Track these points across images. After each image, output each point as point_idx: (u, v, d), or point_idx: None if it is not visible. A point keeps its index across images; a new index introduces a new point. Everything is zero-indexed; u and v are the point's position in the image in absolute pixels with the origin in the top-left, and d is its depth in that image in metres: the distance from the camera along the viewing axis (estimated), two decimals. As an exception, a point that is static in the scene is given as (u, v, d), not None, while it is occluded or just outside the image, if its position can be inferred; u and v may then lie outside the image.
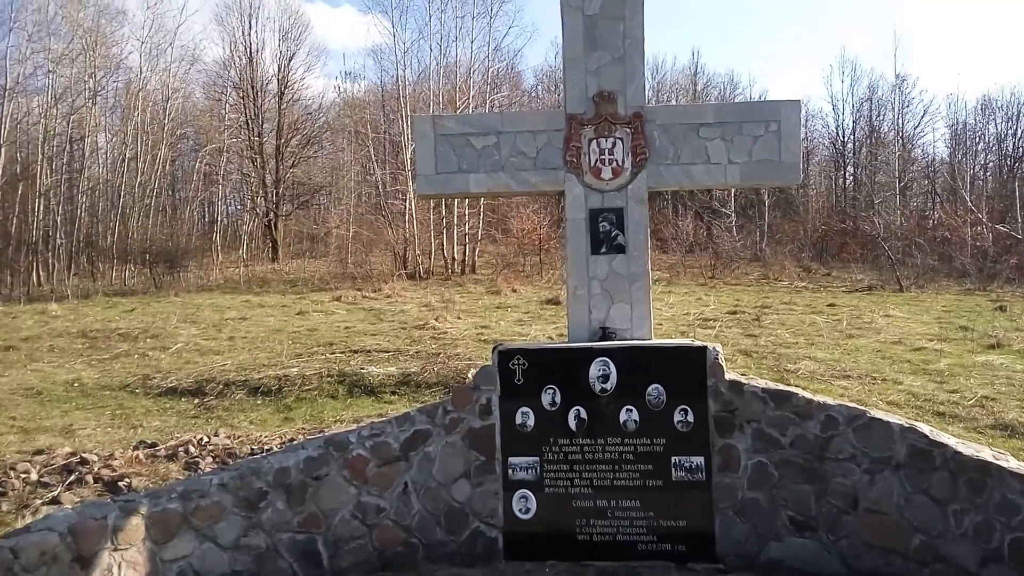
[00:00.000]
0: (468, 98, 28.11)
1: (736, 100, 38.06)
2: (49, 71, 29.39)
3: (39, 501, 5.59)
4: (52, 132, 29.59)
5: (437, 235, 26.82)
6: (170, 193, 37.12)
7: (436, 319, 14.29)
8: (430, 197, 6.50)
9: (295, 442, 5.15)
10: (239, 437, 7.06)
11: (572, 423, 4.20)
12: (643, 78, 4.62)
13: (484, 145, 4.61)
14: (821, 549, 3.95)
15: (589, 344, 4.31)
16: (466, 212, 27.11)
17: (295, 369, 9.65)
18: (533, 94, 44.80)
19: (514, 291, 19.94)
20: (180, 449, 6.60)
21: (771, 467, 4.07)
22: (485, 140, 4.62)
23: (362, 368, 9.49)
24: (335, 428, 7.26)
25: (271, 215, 34.98)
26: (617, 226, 4.50)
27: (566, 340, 4.59)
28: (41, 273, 27.49)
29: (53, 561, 3.32)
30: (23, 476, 6.07)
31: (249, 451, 6.53)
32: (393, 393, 8.69)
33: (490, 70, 30.76)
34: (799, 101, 4.60)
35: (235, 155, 36.45)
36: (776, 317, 14.07)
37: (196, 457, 6.38)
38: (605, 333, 4.43)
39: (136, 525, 3.58)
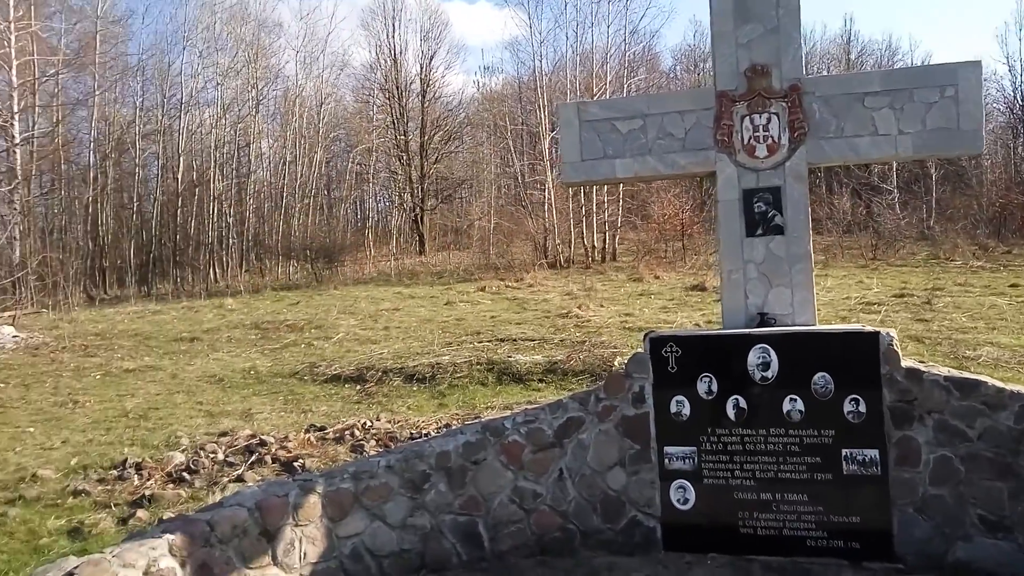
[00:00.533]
0: (605, 84, 27.82)
1: (898, 67, 35.11)
2: (217, 84, 32.14)
3: (226, 479, 6.14)
4: (222, 140, 32.36)
5: (576, 224, 26.80)
6: (326, 193, 39.55)
7: (579, 307, 14.30)
8: (576, 184, 6.50)
9: (453, 427, 5.32)
10: (398, 421, 7.41)
11: (731, 412, 4.06)
12: (799, 48, 4.36)
13: (630, 129, 4.54)
14: (1018, 552, 3.59)
15: (747, 331, 4.14)
16: (605, 199, 26.88)
17: (446, 357, 10.00)
18: (671, 75, 43.73)
19: (657, 278, 19.57)
20: (346, 432, 7.03)
21: (957, 462, 3.73)
22: (631, 124, 4.54)
23: (509, 356, 9.68)
24: (488, 414, 7.45)
25: (417, 210, 36.37)
26: (774, 206, 4.29)
27: (720, 327, 4.44)
28: (217, 270, 30.16)
29: (243, 534, 3.63)
30: (211, 456, 6.70)
31: (408, 435, 6.84)
32: (540, 381, 8.80)
33: (627, 54, 30.27)
34: (979, 62, 4.17)
35: (383, 154, 38.21)
36: (950, 300, 12.89)
37: (361, 440, 6.77)
38: (764, 319, 4.24)
39: (314, 503, 3.85)
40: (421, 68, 37.12)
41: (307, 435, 7.07)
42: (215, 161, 31.53)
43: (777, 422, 3.99)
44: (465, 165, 41.42)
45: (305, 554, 3.77)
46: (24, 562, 4.85)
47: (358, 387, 9.33)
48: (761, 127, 4.32)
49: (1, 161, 25.61)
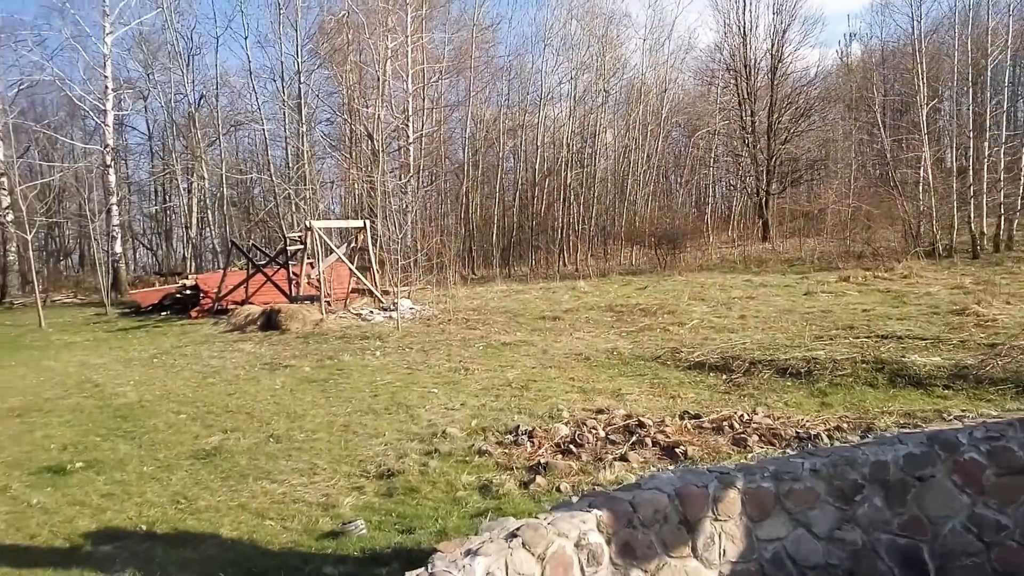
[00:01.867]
0: (1005, 40, 23.32)
1: None
2: (571, 79, 33.97)
3: (610, 456, 6.28)
4: (573, 132, 34.14)
5: (961, 206, 22.98)
6: (665, 179, 39.57)
7: (977, 304, 12.17)
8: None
9: (889, 435, 4.69)
10: (779, 418, 6.93)
11: None
12: None
13: None
14: None
15: None
16: (1000, 177, 22.59)
17: (821, 352, 9.18)
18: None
19: (1080, 271, 15.94)
20: (724, 423, 6.77)
21: None
22: None
23: (901, 356, 8.52)
24: (884, 420, 6.63)
25: (761, 194, 34.56)
26: None
27: None
28: (567, 255, 32.00)
29: (664, 520, 3.56)
30: (593, 431, 6.92)
31: (794, 434, 6.35)
32: (946, 387, 7.58)
33: (1037, 1, 25.04)
34: None
35: (724, 137, 36.98)
36: None
37: (742, 434, 6.44)
38: None
39: (733, 498, 3.64)
40: (772, 44, 35.00)
41: (683, 422, 6.97)
42: (566, 151, 33.42)
43: None
44: (816, 144, 38.19)
45: (724, 551, 3.59)
46: (447, 511, 5.45)
47: (724, 376, 9.00)
48: None
49: (396, 157, 30.25)
